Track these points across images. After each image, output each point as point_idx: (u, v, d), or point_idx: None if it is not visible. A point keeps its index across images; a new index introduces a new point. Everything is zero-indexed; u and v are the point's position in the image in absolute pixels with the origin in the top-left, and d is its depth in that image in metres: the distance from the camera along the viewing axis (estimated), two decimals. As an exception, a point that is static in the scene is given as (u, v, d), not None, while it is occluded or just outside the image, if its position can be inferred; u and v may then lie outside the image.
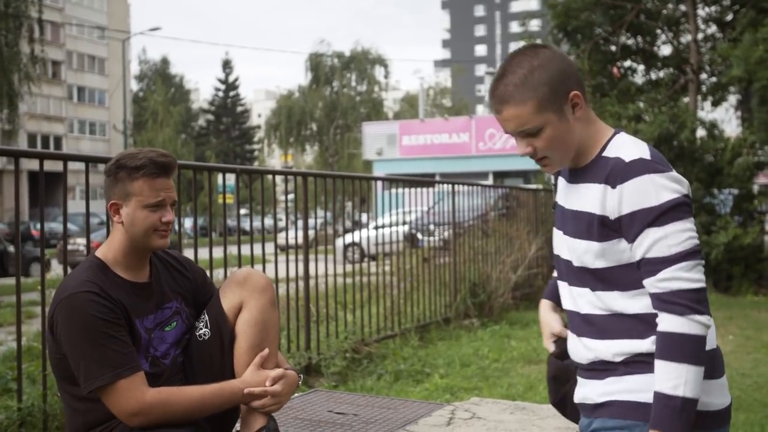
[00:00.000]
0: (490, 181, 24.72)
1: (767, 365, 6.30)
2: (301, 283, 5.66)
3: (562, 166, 1.93)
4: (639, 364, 1.80)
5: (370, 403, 4.10)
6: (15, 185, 3.66)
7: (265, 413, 2.45)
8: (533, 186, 13.36)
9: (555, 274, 2.11)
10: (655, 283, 1.75)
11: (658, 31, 13.58)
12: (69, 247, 18.19)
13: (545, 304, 2.17)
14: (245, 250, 4.99)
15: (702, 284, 1.74)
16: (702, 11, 13.51)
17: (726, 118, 14.02)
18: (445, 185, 8.59)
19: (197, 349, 2.49)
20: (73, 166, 4.06)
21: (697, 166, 11.75)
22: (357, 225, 10.78)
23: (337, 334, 6.10)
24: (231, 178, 14.35)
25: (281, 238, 7.00)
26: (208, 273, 3.09)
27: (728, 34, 12.44)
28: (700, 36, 13.20)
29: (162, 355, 2.42)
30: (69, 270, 3.10)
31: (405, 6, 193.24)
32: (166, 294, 2.49)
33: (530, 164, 1.98)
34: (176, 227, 4.11)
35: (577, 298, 1.91)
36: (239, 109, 58.78)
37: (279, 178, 27.41)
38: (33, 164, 4.64)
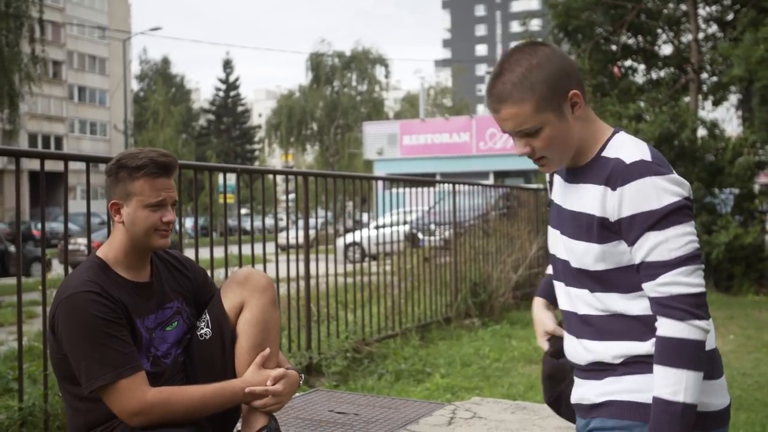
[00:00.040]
0: (490, 180, 24.70)
1: (768, 365, 6.30)
2: (301, 283, 5.66)
3: (560, 166, 1.89)
4: (638, 364, 1.78)
5: (371, 403, 4.10)
6: (16, 185, 3.67)
7: (266, 413, 2.46)
8: (534, 185, 13.34)
9: (548, 270, 2.08)
10: (654, 288, 1.73)
11: (659, 30, 13.56)
12: (70, 247, 18.24)
13: (538, 302, 2.14)
14: (246, 249, 5.00)
15: (702, 289, 1.72)
16: (703, 11, 13.49)
17: (727, 117, 14.04)
18: (446, 185, 8.59)
19: (198, 348, 2.49)
20: (73, 165, 4.06)
21: (697, 166, 11.74)
22: (358, 225, 10.78)
23: (338, 333, 6.10)
24: (232, 178, 14.32)
25: (282, 238, 7.00)
26: (208, 273, 3.09)
27: (729, 33, 12.43)
28: (700, 35, 13.19)
29: (163, 354, 2.42)
30: (70, 270, 3.10)
31: (405, 6, 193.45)
32: (167, 294, 2.49)
33: (531, 164, 1.96)
34: (177, 227, 4.11)
35: (575, 299, 1.88)
36: (240, 108, 58.78)
37: (280, 178, 27.43)
38: (34, 164, 4.64)
